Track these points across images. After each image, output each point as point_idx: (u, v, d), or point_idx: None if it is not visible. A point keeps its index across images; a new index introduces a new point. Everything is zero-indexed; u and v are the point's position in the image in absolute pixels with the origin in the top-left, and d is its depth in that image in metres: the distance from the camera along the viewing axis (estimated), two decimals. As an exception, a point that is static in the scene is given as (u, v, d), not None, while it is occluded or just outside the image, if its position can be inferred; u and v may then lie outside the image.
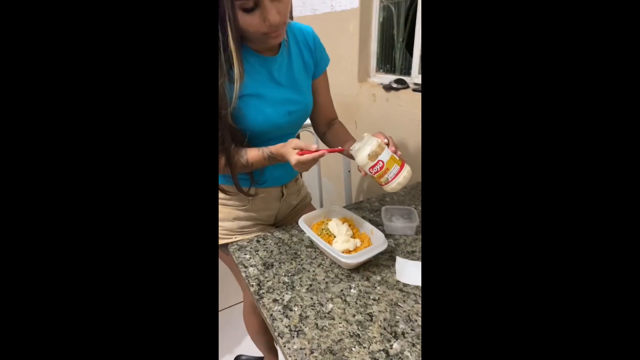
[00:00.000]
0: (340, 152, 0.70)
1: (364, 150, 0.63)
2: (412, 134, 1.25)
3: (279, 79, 0.74)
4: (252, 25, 0.60)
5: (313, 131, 1.19)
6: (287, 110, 0.75)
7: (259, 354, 1.18)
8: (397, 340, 0.51)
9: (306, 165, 0.64)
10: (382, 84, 1.34)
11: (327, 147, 0.88)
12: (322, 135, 0.93)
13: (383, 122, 1.37)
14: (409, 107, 1.23)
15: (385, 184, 0.65)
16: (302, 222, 0.75)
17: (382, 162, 0.62)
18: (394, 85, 1.26)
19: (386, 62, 1.40)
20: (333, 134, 0.88)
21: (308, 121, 0.93)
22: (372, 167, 0.63)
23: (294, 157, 0.64)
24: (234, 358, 1.24)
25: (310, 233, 0.71)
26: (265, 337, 1.01)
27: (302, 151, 0.64)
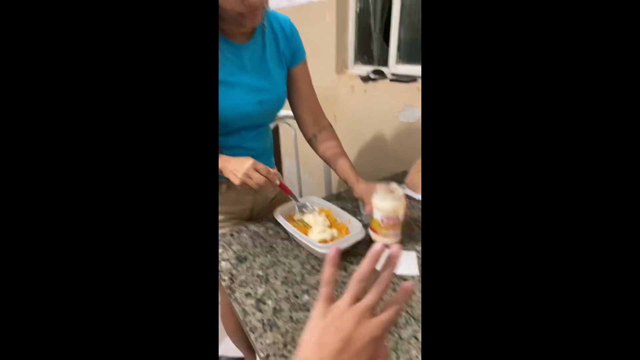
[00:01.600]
0: (288, 193, 0.72)
1: (397, 201, 0.64)
2: (391, 126, 1.24)
3: (250, 67, 0.70)
4: (228, 3, 0.56)
5: (290, 123, 1.16)
6: (257, 99, 0.71)
7: (239, 354, 1.14)
8: (374, 329, 0.49)
9: (260, 172, 0.62)
10: (360, 75, 1.32)
11: (319, 155, 0.85)
12: (310, 138, 0.85)
13: (362, 114, 1.36)
14: (387, 98, 1.22)
15: (382, 235, 0.66)
16: (277, 214, 0.72)
17: (398, 219, 0.65)
18: (372, 76, 1.25)
19: (363, 53, 1.39)
20: (325, 145, 0.81)
21: (283, 112, 0.90)
22: (389, 218, 0.64)
23: (251, 160, 0.63)
24: None
25: (285, 224, 0.68)
26: (244, 336, 0.98)
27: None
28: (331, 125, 0.85)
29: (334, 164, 0.81)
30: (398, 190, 0.66)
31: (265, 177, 0.63)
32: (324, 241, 0.65)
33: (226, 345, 1.24)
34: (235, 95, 0.68)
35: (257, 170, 0.62)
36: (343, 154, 0.81)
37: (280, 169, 1.24)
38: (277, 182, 0.65)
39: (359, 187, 0.74)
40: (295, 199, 0.74)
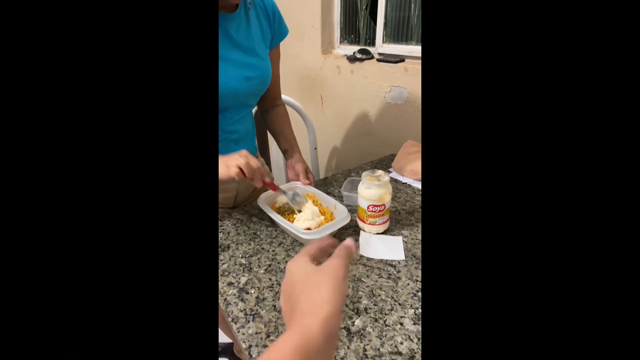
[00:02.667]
0: (274, 190, 0.70)
1: (382, 188, 0.63)
2: (377, 106, 1.21)
3: (237, 40, 0.67)
4: None
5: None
6: (245, 76, 0.68)
7: (228, 340, 1.14)
8: (359, 316, 0.48)
9: (245, 158, 0.60)
10: (346, 55, 1.28)
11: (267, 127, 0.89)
12: (263, 112, 0.88)
13: (348, 94, 1.32)
14: (374, 79, 1.19)
15: (369, 224, 0.66)
16: (261, 201, 0.70)
17: (385, 206, 0.64)
18: (358, 56, 1.21)
19: (350, 32, 1.34)
20: (277, 118, 0.85)
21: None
22: (375, 206, 0.64)
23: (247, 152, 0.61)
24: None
25: (270, 212, 0.66)
26: (233, 323, 0.98)
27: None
28: (285, 106, 0.89)
29: (279, 133, 0.84)
30: (383, 176, 0.65)
31: (258, 167, 0.61)
32: (309, 228, 0.63)
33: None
34: (221, 70, 0.64)
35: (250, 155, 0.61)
36: (289, 128, 0.85)
37: (267, 154, 1.21)
38: (268, 180, 0.64)
39: (290, 163, 0.79)
40: (285, 193, 0.71)
